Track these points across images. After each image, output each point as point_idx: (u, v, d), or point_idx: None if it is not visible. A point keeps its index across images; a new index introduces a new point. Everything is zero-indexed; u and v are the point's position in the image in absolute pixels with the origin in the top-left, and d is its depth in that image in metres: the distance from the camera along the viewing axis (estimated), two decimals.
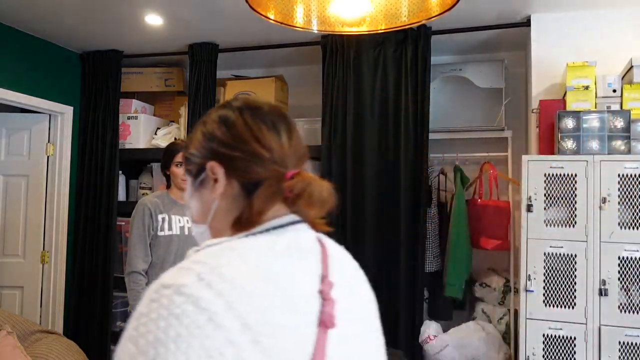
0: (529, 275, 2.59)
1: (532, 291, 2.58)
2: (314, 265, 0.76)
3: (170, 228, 2.59)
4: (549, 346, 2.54)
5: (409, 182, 3.18)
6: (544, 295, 2.56)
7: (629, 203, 2.48)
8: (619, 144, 2.54)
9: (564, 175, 2.57)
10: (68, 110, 3.87)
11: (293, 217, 0.79)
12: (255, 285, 0.67)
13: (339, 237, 3.28)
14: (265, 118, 0.81)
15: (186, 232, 2.62)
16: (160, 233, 2.56)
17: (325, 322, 0.70)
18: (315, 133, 3.62)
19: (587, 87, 2.68)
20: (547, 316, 2.55)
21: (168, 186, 2.70)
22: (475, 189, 3.45)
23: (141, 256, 2.54)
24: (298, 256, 0.75)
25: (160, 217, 2.57)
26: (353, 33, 1.67)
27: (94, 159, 3.88)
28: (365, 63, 3.32)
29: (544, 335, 2.55)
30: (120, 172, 3.91)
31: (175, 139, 3.86)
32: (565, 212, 2.56)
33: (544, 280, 2.57)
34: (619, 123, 2.54)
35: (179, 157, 2.58)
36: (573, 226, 2.54)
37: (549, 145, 2.75)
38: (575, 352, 2.50)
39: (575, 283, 2.52)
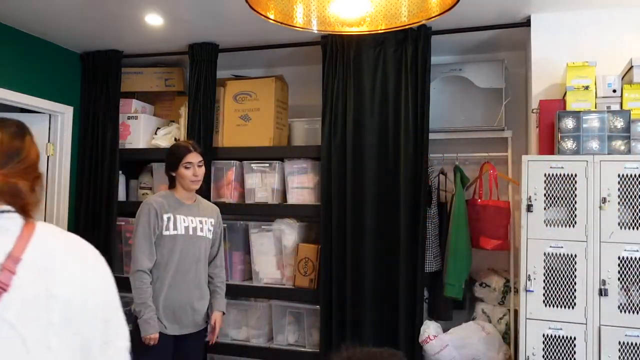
0: (529, 275, 2.59)
1: (532, 291, 2.58)
2: (3, 243, 0.98)
3: (175, 228, 2.59)
4: (549, 346, 2.54)
5: (409, 182, 3.18)
6: (544, 295, 2.56)
7: (629, 203, 2.48)
8: (619, 144, 2.54)
9: (564, 175, 2.57)
10: (68, 110, 3.87)
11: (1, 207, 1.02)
12: None
13: (339, 237, 3.29)
14: None
15: (190, 232, 2.63)
16: (165, 232, 2.57)
17: None
18: (315, 133, 3.62)
19: (587, 87, 2.68)
20: (547, 316, 2.55)
21: (171, 186, 2.70)
22: (475, 189, 3.45)
23: (146, 255, 2.54)
24: None
25: (165, 216, 2.58)
26: (353, 33, 1.67)
27: (94, 159, 3.88)
28: (365, 63, 3.32)
29: (544, 335, 2.55)
30: (120, 172, 3.91)
31: (175, 139, 3.86)
32: (565, 212, 2.56)
33: (544, 280, 2.57)
34: (619, 123, 2.54)
35: (188, 158, 2.60)
36: (573, 226, 2.54)
37: (549, 145, 2.75)
38: (575, 352, 2.50)
39: (575, 283, 2.52)
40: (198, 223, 2.67)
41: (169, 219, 2.58)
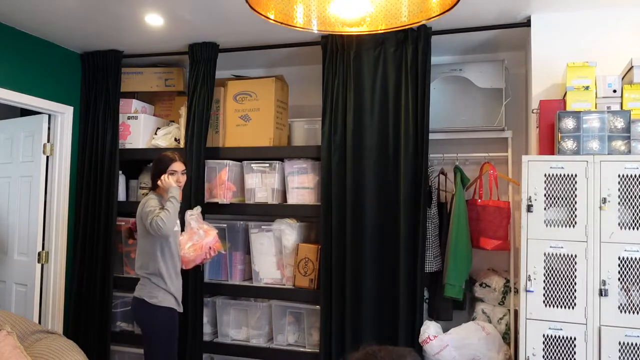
0: (529, 275, 2.59)
1: (532, 291, 2.58)
2: None
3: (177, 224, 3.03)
4: (549, 346, 2.54)
5: (409, 182, 3.18)
6: (544, 295, 2.56)
7: (629, 203, 2.48)
8: (619, 144, 2.54)
9: (564, 175, 2.57)
10: (68, 110, 3.87)
11: None
12: None
13: (339, 237, 3.29)
14: None
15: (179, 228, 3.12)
16: (175, 228, 2.98)
17: None
18: (315, 133, 3.62)
19: (587, 87, 2.68)
20: (547, 316, 2.55)
21: (155, 189, 3.05)
22: (475, 189, 3.45)
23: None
24: None
25: None
26: (353, 33, 1.67)
27: (94, 159, 3.87)
28: (365, 63, 3.32)
29: (544, 335, 2.55)
30: (120, 172, 3.91)
31: (175, 139, 3.87)
32: (566, 212, 2.56)
33: (544, 281, 2.57)
34: (619, 123, 2.54)
35: (173, 167, 3.00)
36: (573, 226, 2.54)
37: (549, 145, 2.75)
38: (575, 353, 2.50)
39: (575, 283, 2.52)
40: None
41: None
